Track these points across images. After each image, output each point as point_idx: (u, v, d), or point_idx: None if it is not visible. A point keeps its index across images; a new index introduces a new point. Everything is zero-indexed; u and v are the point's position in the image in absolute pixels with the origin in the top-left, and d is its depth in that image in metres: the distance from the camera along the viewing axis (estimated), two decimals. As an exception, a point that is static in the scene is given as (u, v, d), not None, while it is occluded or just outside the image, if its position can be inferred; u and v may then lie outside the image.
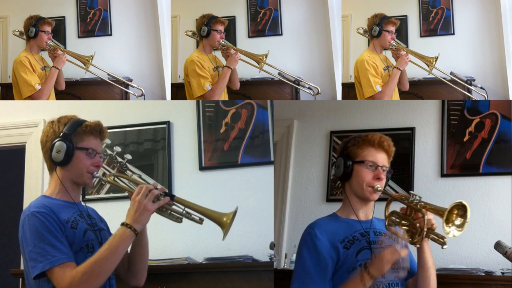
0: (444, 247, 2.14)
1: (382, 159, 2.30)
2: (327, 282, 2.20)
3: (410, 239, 2.19)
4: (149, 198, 2.20)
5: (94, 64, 3.98)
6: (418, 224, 2.16)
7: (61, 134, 2.27)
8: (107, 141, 4.33)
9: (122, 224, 2.18)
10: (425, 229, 2.14)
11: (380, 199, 2.34)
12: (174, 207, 2.30)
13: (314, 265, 2.21)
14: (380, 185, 2.27)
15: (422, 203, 2.17)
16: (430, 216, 2.17)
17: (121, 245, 2.15)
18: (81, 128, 2.29)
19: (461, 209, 2.12)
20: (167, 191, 2.29)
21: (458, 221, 2.12)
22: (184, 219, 2.31)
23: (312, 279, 2.19)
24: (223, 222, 2.27)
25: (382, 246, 2.19)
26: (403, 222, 2.22)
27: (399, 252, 2.14)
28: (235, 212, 2.30)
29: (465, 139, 4.21)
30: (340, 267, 2.22)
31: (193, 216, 2.31)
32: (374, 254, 2.19)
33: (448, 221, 2.10)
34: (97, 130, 2.32)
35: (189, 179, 4.26)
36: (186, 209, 2.30)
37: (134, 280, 2.40)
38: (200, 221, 2.31)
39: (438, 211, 2.12)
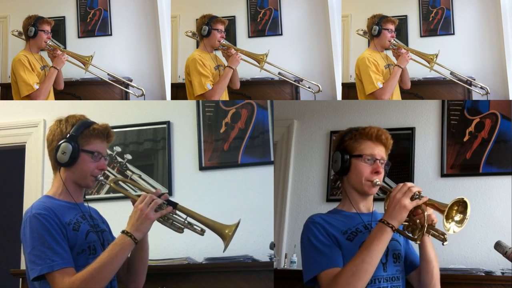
0: (445, 243, 2.12)
1: (380, 152, 2.28)
2: (340, 256, 2.18)
3: (411, 235, 2.17)
4: (151, 207, 2.19)
5: (94, 64, 3.98)
6: (418, 220, 2.13)
7: (68, 135, 2.25)
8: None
9: (123, 231, 2.17)
10: (426, 225, 2.11)
11: (379, 199, 2.34)
12: (176, 216, 2.29)
13: (324, 244, 2.18)
14: (378, 179, 2.25)
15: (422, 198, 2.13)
16: (430, 211, 2.14)
17: (120, 253, 2.14)
18: (88, 131, 2.27)
19: (461, 205, 2.09)
20: (170, 199, 2.28)
21: (457, 217, 2.09)
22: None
23: (328, 258, 2.16)
24: (225, 234, 2.26)
25: None
26: None
27: (410, 189, 2.10)
28: (237, 225, 2.29)
29: (465, 139, 4.21)
30: (343, 259, 2.20)
31: (194, 226, 2.30)
32: None
33: (448, 217, 2.07)
34: (104, 133, 2.30)
35: (189, 179, 4.26)
36: (188, 219, 2.29)
37: (133, 283, 2.39)
38: (202, 233, 2.31)
39: (438, 207, 2.09)
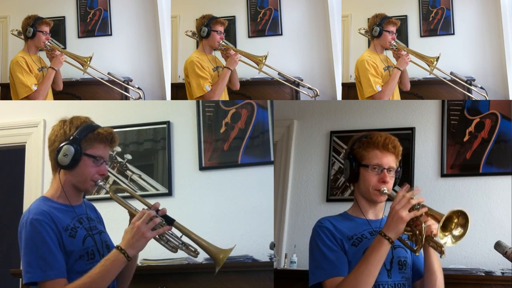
0: (443, 256, 2.12)
1: (388, 160, 2.27)
2: (346, 263, 2.19)
3: (412, 246, 2.16)
4: (149, 226, 2.16)
5: (92, 66, 3.96)
6: (417, 231, 2.12)
7: (71, 137, 2.20)
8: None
9: (117, 247, 2.14)
10: (424, 236, 2.10)
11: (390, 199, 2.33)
12: (172, 236, 2.26)
13: (330, 250, 2.19)
14: (386, 188, 2.24)
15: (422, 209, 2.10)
16: (430, 222, 2.13)
17: (112, 269, 2.13)
18: (93, 135, 2.23)
19: (462, 217, 2.08)
20: (167, 214, 2.25)
21: (457, 232, 2.09)
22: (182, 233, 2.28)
23: (334, 265, 2.17)
24: (219, 259, 2.24)
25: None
26: (406, 227, 2.14)
27: (410, 201, 2.09)
28: (232, 250, 2.27)
29: (465, 139, 4.21)
30: (348, 264, 2.20)
31: (190, 247, 2.28)
32: None
33: (446, 228, 2.06)
34: (108, 138, 2.25)
35: (189, 179, 4.26)
36: (184, 238, 2.26)
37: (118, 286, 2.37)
38: (195, 254, 2.29)
39: (436, 217, 2.08)
